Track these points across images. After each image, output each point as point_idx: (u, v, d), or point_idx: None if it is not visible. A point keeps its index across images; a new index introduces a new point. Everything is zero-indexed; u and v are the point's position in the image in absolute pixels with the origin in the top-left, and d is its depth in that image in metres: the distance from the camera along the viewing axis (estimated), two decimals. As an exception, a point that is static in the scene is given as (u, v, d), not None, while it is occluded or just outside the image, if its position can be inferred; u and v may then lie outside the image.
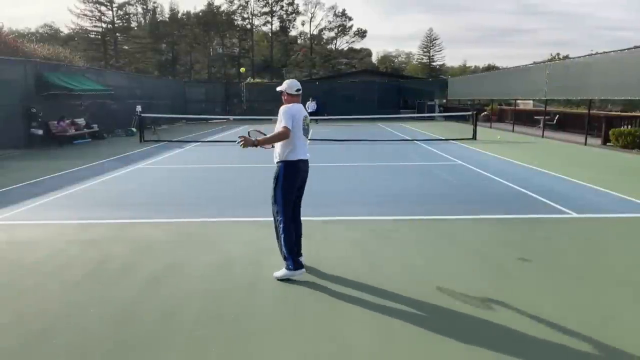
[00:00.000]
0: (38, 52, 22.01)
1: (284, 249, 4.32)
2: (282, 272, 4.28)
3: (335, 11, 66.97)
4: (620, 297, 3.84)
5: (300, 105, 4.44)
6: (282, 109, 4.27)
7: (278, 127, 4.20)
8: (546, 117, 20.85)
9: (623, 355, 2.96)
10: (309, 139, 4.60)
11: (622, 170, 10.53)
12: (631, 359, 2.91)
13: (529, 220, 6.23)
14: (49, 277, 4.35)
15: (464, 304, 3.67)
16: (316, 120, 26.94)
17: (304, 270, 4.31)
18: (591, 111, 17.48)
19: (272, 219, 4.47)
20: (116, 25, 53.56)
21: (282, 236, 4.30)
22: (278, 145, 4.35)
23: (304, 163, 4.38)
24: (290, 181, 4.29)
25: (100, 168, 11.20)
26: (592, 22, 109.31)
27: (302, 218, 4.58)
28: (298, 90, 4.44)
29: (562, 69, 18.25)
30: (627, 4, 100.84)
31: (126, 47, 56.30)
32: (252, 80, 40.98)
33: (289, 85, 4.46)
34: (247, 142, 4.18)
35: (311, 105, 28.42)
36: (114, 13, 53.01)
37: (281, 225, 4.30)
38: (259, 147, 4.29)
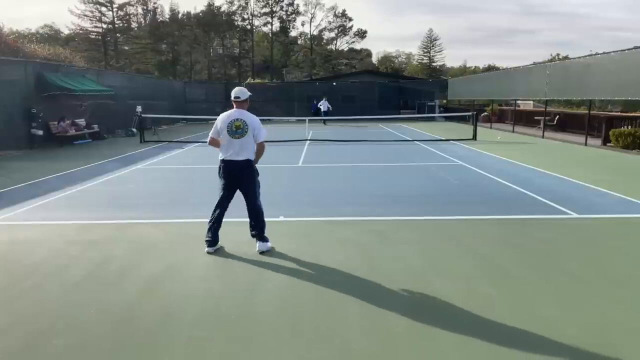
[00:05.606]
0: (38, 52, 22.02)
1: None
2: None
3: (335, 12, 67.07)
4: (620, 298, 3.83)
5: (231, 112, 4.96)
6: None
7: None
8: (546, 118, 20.85)
9: (623, 357, 2.96)
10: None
11: (622, 171, 10.53)
12: (631, 360, 2.91)
13: (529, 221, 6.22)
14: (49, 278, 4.35)
15: (463, 305, 3.66)
16: (324, 121, 26.89)
17: (210, 249, 4.97)
18: (591, 111, 17.47)
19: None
20: (116, 25, 53.62)
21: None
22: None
23: (227, 163, 4.95)
24: (221, 176, 5.08)
25: (100, 168, 11.20)
26: (592, 22, 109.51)
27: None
28: (235, 97, 4.95)
29: (562, 70, 18.24)
30: (627, 5, 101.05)
31: (126, 48, 56.34)
32: (252, 81, 40.99)
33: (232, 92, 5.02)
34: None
35: (324, 104, 28.16)
36: (114, 14, 53.08)
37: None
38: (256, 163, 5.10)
